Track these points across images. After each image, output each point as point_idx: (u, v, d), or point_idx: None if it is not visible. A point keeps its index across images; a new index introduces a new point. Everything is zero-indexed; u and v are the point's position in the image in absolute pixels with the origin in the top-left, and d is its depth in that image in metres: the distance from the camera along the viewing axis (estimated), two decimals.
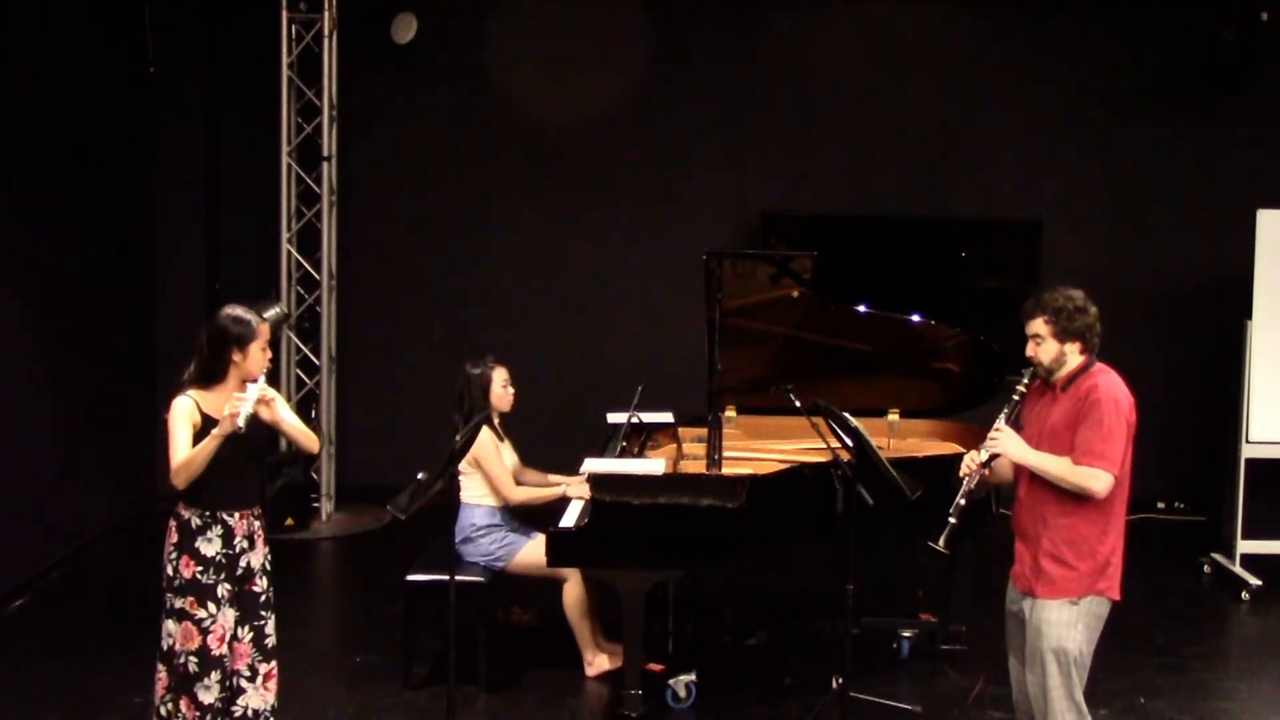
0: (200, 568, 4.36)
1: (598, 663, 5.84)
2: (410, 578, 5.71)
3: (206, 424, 4.32)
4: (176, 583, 4.38)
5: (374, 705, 5.59)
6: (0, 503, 6.65)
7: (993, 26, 8.86)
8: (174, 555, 4.39)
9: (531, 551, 5.72)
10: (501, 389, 5.88)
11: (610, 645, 5.85)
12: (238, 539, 4.44)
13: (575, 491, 5.64)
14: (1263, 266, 7.28)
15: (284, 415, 4.47)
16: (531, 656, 6.06)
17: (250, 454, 4.46)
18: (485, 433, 5.76)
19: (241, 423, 4.23)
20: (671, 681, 5.58)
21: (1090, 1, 8.71)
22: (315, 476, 8.61)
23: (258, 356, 4.41)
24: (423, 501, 4.70)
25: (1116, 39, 8.77)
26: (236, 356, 4.38)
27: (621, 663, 5.45)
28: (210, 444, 4.25)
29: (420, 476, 4.70)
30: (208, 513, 4.38)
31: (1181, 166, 8.81)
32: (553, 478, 5.99)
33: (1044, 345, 4.26)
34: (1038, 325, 4.26)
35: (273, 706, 4.59)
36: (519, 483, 5.89)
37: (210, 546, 4.38)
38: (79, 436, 7.60)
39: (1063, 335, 4.24)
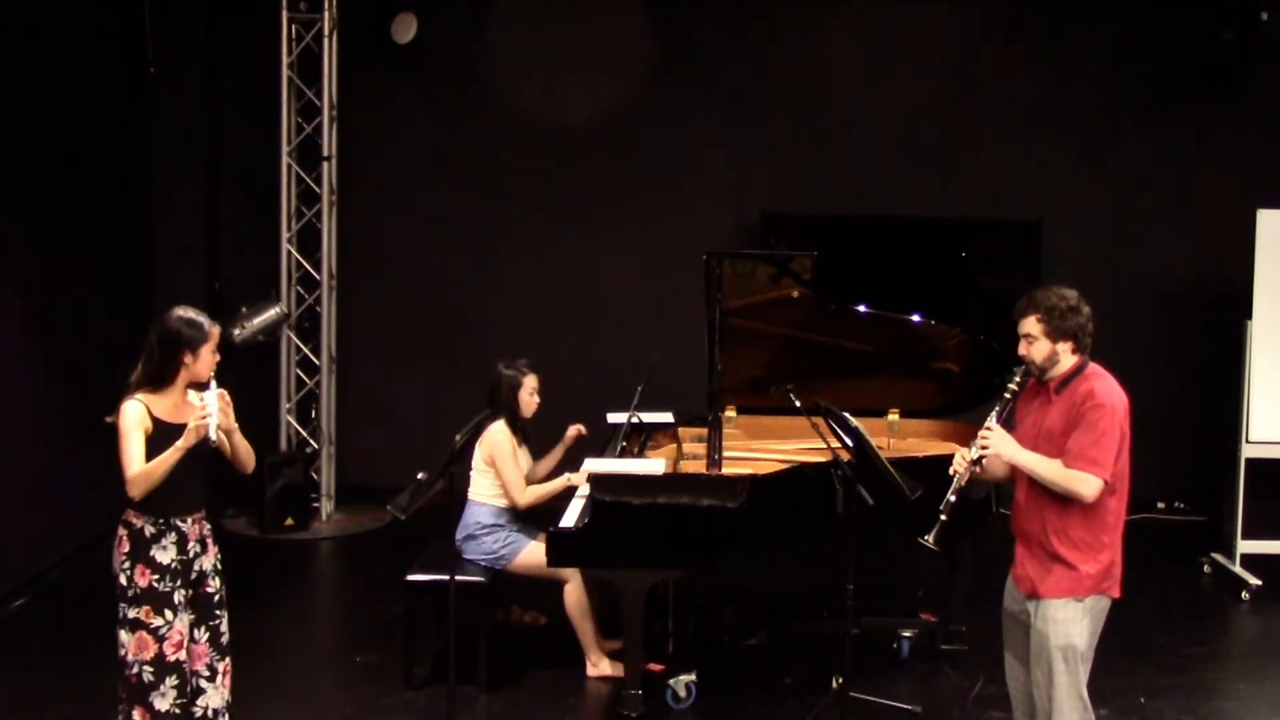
0: (156, 576, 4.28)
1: (601, 665, 5.84)
2: (410, 578, 5.72)
3: (157, 428, 4.24)
4: (131, 592, 4.28)
5: (374, 705, 5.59)
6: (0, 503, 6.64)
7: (992, 26, 8.85)
8: (127, 565, 4.29)
9: (534, 551, 5.73)
10: (529, 395, 5.93)
11: (612, 645, 5.84)
12: (191, 544, 4.36)
13: (579, 478, 5.64)
14: (1263, 266, 7.28)
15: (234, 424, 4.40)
16: (531, 656, 6.06)
17: (198, 458, 4.33)
18: (505, 434, 5.81)
19: (213, 434, 4.19)
20: (671, 681, 5.58)
21: (1090, 1, 8.71)
22: (315, 476, 8.61)
23: (208, 359, 4.33)
24: (423, 501, 4.71)
25: (1116, 39, 8.77)
26: (188, 359, 4.30)
27: (623, 671, 5.44)
28: (173, 456, 4.18)
29: (420, 476, 4.71)
30: (161, 520, 4.29)
31: (1181, 166, 8.80)
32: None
33: (1036, 344, 4.26)
34: (1030, 324, 4.26)
35: (228, 702, 4.54)
36: (529, 482, 5.93)
37: (166, 554, 4.29)
38: (79, 436, 7.57)
39: (1055, 334, 4.23)
